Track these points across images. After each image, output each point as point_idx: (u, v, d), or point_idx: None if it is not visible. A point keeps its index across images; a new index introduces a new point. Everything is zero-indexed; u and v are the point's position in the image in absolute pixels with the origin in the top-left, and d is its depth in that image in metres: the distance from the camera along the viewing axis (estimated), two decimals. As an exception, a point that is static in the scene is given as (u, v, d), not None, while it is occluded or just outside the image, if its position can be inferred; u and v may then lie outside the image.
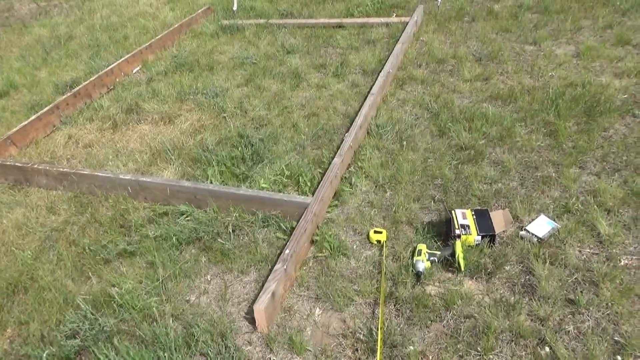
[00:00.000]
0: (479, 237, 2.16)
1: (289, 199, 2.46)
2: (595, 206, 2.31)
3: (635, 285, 1.93)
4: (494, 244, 2.17)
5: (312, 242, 2.34)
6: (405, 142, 2.96)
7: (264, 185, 2.72)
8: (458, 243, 2.12)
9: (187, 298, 2.16)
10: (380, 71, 3.69)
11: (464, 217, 2.24)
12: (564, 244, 2.15)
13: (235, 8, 5.55)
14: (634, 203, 2.30)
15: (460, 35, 4.32)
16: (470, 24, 4.54)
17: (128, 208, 2.66)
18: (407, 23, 4.50)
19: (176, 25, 5.16)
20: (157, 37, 4.90)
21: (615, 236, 2.14)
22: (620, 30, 3.95)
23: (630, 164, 2.56)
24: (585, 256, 2.09)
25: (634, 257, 2.06)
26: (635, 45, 3.75)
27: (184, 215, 2.57)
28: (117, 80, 4.30)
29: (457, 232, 2.17)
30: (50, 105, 3.70)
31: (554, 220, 2.27)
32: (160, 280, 2.21)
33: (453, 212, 2.26)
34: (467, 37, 4.26)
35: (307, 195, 2.56)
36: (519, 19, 4.46)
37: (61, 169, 2.90)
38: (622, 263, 2.04)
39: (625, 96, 3.14)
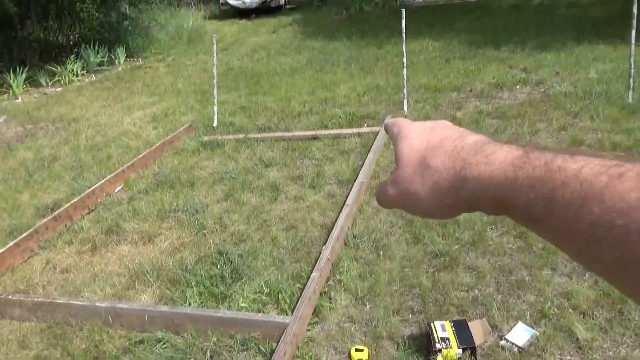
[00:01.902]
0: (460, 350, 2.15)
1: (268, 319, 2.44)
2: (571, 309, 2.34)
3: (619, 394, 1.91)
4: (475, 356, 2.16)
5: (293, 364, 2.28)
6: (381, 252, 3.02)
7: (243, 305, 2.70)
8: (440, 359, 2.10)
9: None
10: (355, 181, 3.86)
11: (443, 329, 2.24)
12: (545, 352, 2.14)
13: (215, 124, 5.86)
14: (607, 304, 2.34)
15: (428, 142, 4.58)
16: (436, 131, 4.84)
17: (103, 338, 2.58)
18: (377, 132, 4.79)
19: (158, 144, 5.39)
20: (139, 156, 5.09)
21: (593, 340, 2.15)
22: (574, 132, 4.27)
23: (599, 263, 2.64)
24: (566, 364, 2.08)
25: (614, 363, 2.05)
26: (589, 145, 4.03)
27: (161, 343, 2.50)
28: (99, 200, 4.38)
29: (438, 346, 2.16)
30: (30, 230, 3.72)
31: (532, 326, 2.28)
32: (134, 418, 2.10)
33: (432, 325, 2.26)
34: (434, 144, 4.52)
35: (287, 314, 2.55)
36: (480, 124, 4.79)
37: (36, 299, 2.85)
38: (603, 370, 2.03)
39: (586, 195, 3.31)
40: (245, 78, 8.42)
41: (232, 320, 2.47)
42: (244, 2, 16.80)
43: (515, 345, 2.17)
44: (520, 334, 2.23)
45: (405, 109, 5.29)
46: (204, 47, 12.02)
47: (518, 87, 5.84)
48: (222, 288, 2.87)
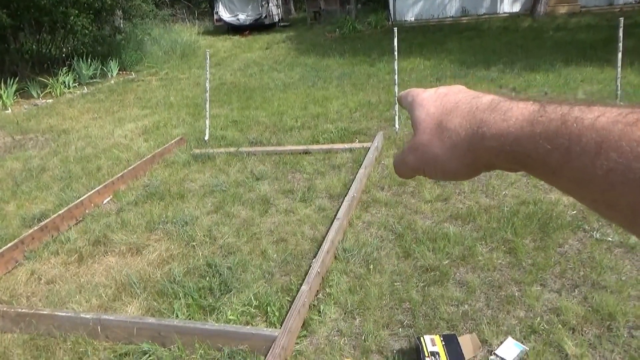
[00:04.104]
0: (450, 365, 2.13)
1: (256, 332, 2.41)
2: (560, 325, 2.34)
3: (609, 410, 1.90)
4: (465, 371, 2.14)
5: (281, 378, 2.25)
6: (372, 266, 3.01)
7: (231, 317, 2.67)
8: (429, 373, 2.08)
9: None
10: (346, 195, 3.86)
11: (433, 343, 2.22)
12: (535, 368, 2.13)
13: (206, 138, 5.85)
14: (596, 320, 2.35)
15: (419, 158, 4.61)
16: (426, 147, 4.88)
17: (87, 350, 2.53)
18: (369, 148, 4.81)
19: (149, 156, 5.36)
20: (129, 168, 5.06)
21: (583, 356, 2.15)
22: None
23: (588, 279, 2.65)
24: (556, 380, 2.07)
25: (604, 379, 2.05)
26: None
27: (147, 355, 2.46)
28: (87, 211, 4.33)
29: (427, 360, 2.14)
30: (15, 241, 3.65)
31: (522, 342, 2.27)
32: None
33: (422, 339, 2.25)
34: (425, 160, 4.55)
35: (275, 327, 2.52)
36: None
37: (19, 310, 2.79)
38: (593, 385, 2.02)
39: (574, 212, 3.34)
40: (237, 92, 8.47)
41: (219, 333, 2.43)
42: (238, 19, 16.98)
43: (505, 360, 2.16)
44: (509, 349, 2.22)
45: (397, 126, 5.33)
46: (197, 62, 12.10)
47: (507, 106, 5.92)
48: (211, 300, 2.84)
